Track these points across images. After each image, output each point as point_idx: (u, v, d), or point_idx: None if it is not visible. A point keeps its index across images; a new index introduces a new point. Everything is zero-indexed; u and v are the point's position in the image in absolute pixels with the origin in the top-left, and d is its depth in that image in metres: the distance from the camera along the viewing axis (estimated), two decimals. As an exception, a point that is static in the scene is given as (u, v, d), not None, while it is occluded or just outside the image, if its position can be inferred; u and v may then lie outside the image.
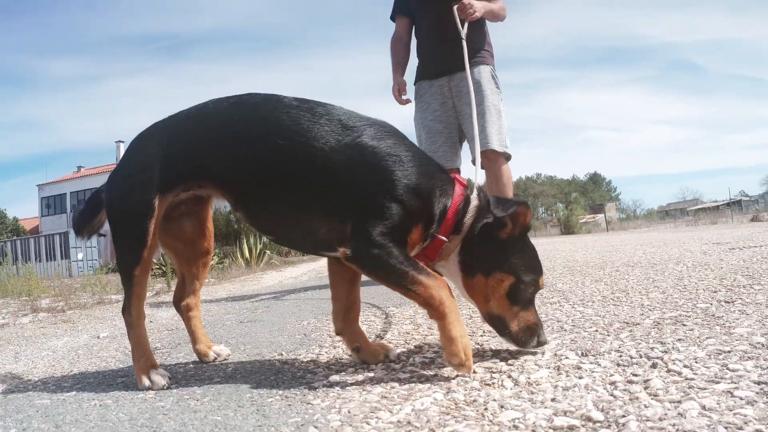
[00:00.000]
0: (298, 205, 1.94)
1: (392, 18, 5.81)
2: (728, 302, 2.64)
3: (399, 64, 5.65)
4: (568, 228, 33.16)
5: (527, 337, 1.90)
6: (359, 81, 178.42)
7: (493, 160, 5.09)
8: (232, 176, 1.96)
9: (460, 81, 5.24)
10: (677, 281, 3.48)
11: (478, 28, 5.32)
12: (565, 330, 2.36)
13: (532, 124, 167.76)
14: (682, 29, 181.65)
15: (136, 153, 2.06)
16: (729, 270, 3.83)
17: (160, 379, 1.99)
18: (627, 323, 2.37)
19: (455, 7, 4.89)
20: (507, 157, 5.16)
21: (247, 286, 7.53)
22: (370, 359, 2.07)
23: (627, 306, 2.79)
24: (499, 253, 1.92)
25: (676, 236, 10.49)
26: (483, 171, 5.01)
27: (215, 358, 2.40)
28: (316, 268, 11.46)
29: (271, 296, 5.31)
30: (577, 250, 8.11)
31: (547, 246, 11.14)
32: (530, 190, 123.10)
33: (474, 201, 1.97)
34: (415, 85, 5.56)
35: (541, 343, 1.93)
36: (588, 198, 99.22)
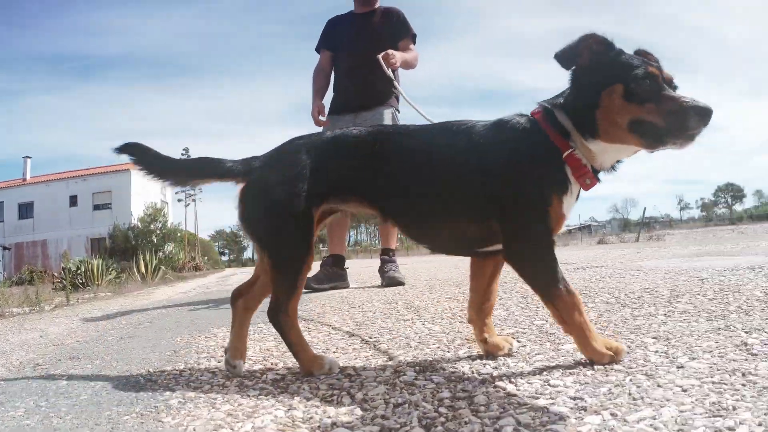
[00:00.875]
0: (446, 213, 1.99)
1: (317, 50, 6.07)
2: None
3: (319, 91, 5.89)
4: None
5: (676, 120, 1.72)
6: (261, 108, 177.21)
7: None
8: (383, 192, 2.02)
9: (363, 120, 5.47)
10: (521, 299, 3.50)
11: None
12: (411, 346, 2.33)
13: None
14: (543, 76, 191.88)
15: (293, 164, 2.02)
16: (576, 287, 3.88)
17: (334, 365, 2.00)
18: (467, 340, 2.34)
19: (380, 56, 5.05)
20: None
21: (139, 301, 7.24)
22: (494, 351, 2.05)
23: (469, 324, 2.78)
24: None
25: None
26: None
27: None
28: (204, 284, 11.35)
29: (158, 311, 5.09)
30: (443, 269, 8.14)
31: (417, 264, 11.14)
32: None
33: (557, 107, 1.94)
34: (327, 117, 5.76)
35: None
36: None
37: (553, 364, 1.81)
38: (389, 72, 5.03)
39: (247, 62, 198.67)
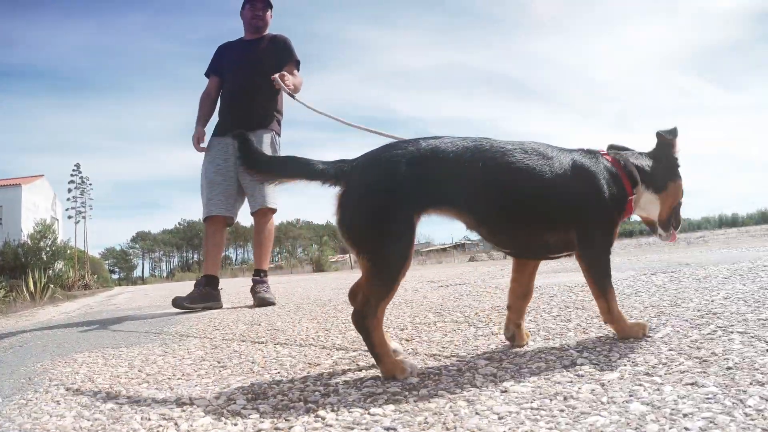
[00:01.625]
0: (536, 224, 2.21)
1: (206, 75, 6.01)
2: (408, 340, 2.60)
3: (203, 117, 5.86)
4: (319, 266, 33.43)
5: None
6: (155, 127, 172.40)
7: (265, 215, 5.66)
8: (477, 203, 2.13)
9: None
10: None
11: (271, 97, 5.76)
12: (254, 372, 2.20)
13: None
14: (425, 106, 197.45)
15: (395, 172, 2.01)
16: (426, 307, 3.85)
17: (414, 365, 2.01)
18: (310, 364, 2.25)
19: (276, 76, 5.12)
20: (274, 211, 5.72)
21: (21, 322, 6.79)
22: (520, 339, 2.31)
23: (317, 347, 2.68)
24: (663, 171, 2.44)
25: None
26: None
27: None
28: (89, 303, 10.80)
29: (33, 333, 4.75)
30: (315, 288, 8.03)
31: (292, 284, 10.93)
32: (290, 233, 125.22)
33: (629, 160, 2.38)
34: (211, 139, 5.77)
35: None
36: (339, 240, 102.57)
37: (380, 391, 1.73)
38: (288, 90, 5.17)
39: (143, 81, 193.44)
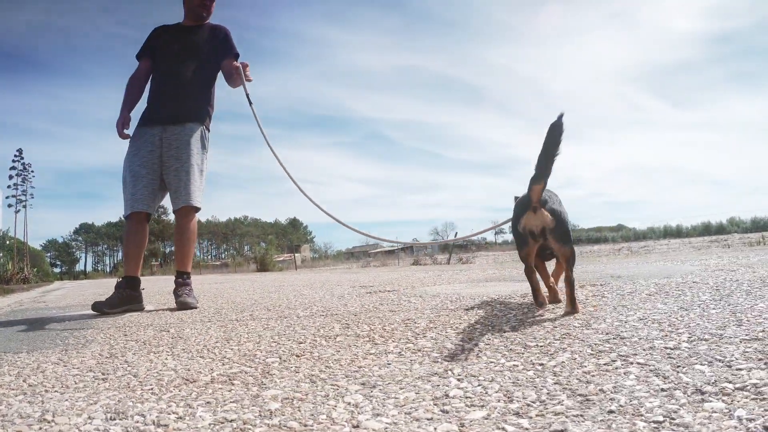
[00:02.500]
0: None
1: (137, 57, 5.71)
2: (298, 356, 2.59)
3: (129, 102, 5.56)
4: (263, 265, 33.20)
5: None
6: (102, 113, 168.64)
7: (188, 214, 5.43)
8: None
9: (172, 134, 5.36)
10: (286, 328, 3.45)
11: (206, 89, 5.62)
12: (129, 386, 2.16)
13: (244, 172, 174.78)
14: (380, 107, 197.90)
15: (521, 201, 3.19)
16: (338, 317, 3.83)
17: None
18: (188, 380, 2.20)
19: (239, 64, 5.46)
20: (198, 210, 5.50)
21: None
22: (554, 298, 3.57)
23: (207, 359, 2.65)
24: None
25: (339, 277, 10.58)
26: None
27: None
28: (22, 299, 10.33)
29: None
30: (247, 290, 7.95)
31: (228, 284, 10.83)
32: (237, 230, 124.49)
33: None
34: (136, 128, 5.53)
35: None
36: (287, 239, 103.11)
37: (245, 416, 1.73)
38: (248, 81, 5.41)
39: (94, 65, 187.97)
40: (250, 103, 5.50)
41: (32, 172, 49.02)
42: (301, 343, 2.94)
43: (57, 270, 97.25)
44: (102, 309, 5.16)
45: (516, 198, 3.47)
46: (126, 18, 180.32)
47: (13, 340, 3.79)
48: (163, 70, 5.59)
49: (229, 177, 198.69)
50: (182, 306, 5.32)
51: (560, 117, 2.83)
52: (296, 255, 54.33)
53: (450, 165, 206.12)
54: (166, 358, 2.73)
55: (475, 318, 3.33)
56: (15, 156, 48.60)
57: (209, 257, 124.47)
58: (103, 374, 2.42)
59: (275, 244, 50.09)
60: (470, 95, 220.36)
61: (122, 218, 5.50)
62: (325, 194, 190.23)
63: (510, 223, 3.37)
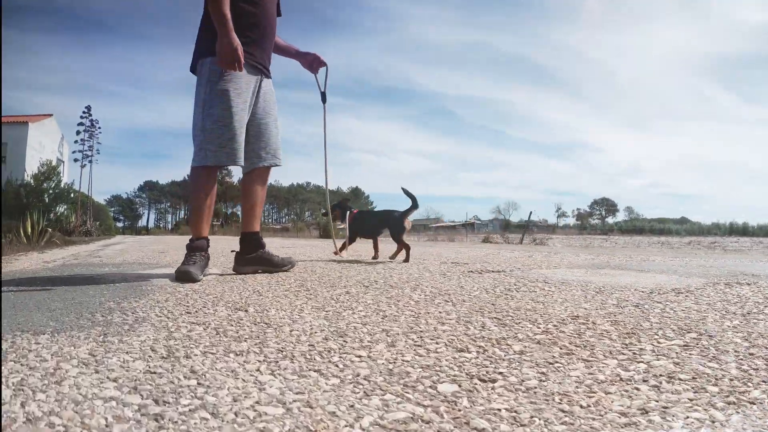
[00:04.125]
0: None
1: None
2: (486, 381, 1.53)
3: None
4: (326, 232, 32.55)
5: None
6: (165, 76, 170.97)
7: (268, 173, 4.85)
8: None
9: (267, 86, 4.69)
10: (414, 321, 2.41)
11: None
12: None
13: (309, 139, 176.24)
14: (446, 82, 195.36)
15: None
16: (473, 307, 2.82)
17: None
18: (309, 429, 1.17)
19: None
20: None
21: (14, 266, 5.97)
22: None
23: (327, 374, 1.58)
24: None
25: (417, 250, 9.60)
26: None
27: None
28: (79, 252, 9.74)
29: None
30: (321, 257, 7.06)
31: (297, 249, 9.97)
32: (299, 196, 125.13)
33: None
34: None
35: None
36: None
37: None
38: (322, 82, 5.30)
39: (160, 28, 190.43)
40: (325, 101, 5.34)
41: (99, 128, 49.16)
42: (461, 350, 1.88)
43: (119, 225, 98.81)
44: (195, 277, 4.07)
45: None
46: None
47: (42, 309, 2.80)
48: (268, 9, 4.57)
49: (294, 143, 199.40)
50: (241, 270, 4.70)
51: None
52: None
53: (512, 144, 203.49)
54: (259, 371, 1.64)
55: (672, 319, 2.34)
56: (83, 112, 48.78)
57: (270, 220, 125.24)
58: (154, 401, 1.36)
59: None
60: (537, 75, 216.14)
61: (199, 166, 4.36)
62: (386, 165, 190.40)
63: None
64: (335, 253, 6.92)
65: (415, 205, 6.19)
